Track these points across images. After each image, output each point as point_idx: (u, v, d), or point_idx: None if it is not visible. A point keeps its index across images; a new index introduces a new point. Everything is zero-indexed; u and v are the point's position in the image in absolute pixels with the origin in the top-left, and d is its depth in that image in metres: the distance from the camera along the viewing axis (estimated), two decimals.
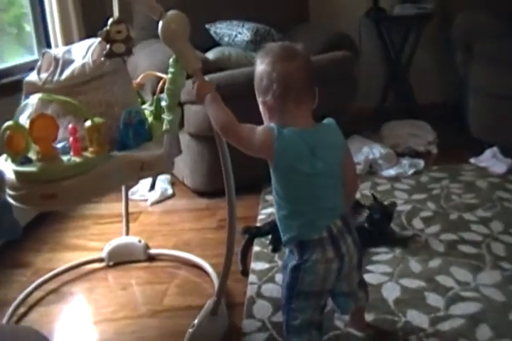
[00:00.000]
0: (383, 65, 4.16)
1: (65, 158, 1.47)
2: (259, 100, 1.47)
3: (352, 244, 1.45)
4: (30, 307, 2.03)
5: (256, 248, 2.33)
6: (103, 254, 2.29)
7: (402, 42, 4.00)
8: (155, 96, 1.81)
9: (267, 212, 2.65)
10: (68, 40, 2.90)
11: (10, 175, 1.48)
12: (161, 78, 1.81)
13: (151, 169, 1.62)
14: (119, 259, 2.29)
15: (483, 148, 3.20)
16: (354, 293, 1.61)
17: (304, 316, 1.47)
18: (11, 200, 1.49)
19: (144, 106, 1.90)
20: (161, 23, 1.52)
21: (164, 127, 1.64)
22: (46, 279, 2.16)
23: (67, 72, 1.64)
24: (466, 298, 1.86)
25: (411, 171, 3.05)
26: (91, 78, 1.64)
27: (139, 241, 2.31)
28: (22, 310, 2.00)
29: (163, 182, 3.08)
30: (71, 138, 1.48)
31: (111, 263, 2.28)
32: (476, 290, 1.90)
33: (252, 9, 3.54)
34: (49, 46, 3.00)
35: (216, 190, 2.62)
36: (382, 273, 2.05)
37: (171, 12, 1.53)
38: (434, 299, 1.87)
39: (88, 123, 1.49)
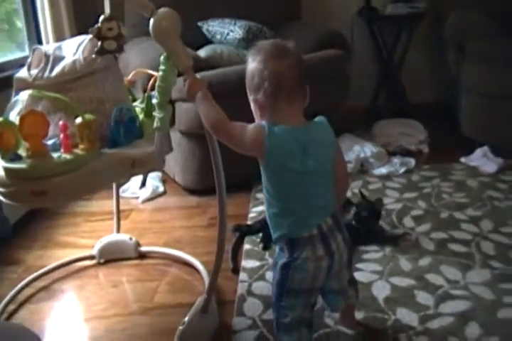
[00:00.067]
0: (375, 63, 4.16)
1: (55, 154, 1.46)
2: (251, 98, 1.46)
3: (342, 242, 1.46)
4: (21, 305, 2.02)
5: (247, 246, 2.33)
6: (94, 252, 2.28)
7: (394, 42, 4.01)
8: (146, 94, 1.80)
9: (257, 210, 2.65)
10: (59, 37, 2.89)
11: None
12: (152, 75, 1.80)
13: (141, 166, 1.62)
14: (110, 257, 2.29)
15: (474, 147, 3.21)
16: (344, 291, 1.61)
17: (294, 314, 1.47)
18: (0, 197, 1.49)
19: (135, 104, 1.89)
20: (152, 21, 1.51)
21: (155, 124, 1.63)
22: (37, 276, 2.15)
23: (57, 69, 1.63)
24: (455, 296, 1.87)
25: (402, 170, 3.06)
26: (82, 75, 1.63)
27: (130, 239, 2.31)
28: (12, 307, 2.00)
29: (154, 179, 3.07)
30: (61, 135, 1.47)
31: (102, 261, 2.28)
32: (465, 289, 1.91)
33: (245, 7, 3.53)
34: (40, 43, 2.99)
35: (207, 187, 2.62)
36: (372, 271, 2.06)
37: (162, 9, 1.53)
38: (423, 297, 1.88)
39: (79, 120, 1.48)
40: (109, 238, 2.31)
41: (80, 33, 1.88)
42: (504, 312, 1.78)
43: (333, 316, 1.77)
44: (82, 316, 1.98)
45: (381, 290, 1.93)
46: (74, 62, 1.64)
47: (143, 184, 2.83)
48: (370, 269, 2.07)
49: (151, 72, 1.87)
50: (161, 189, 3.02)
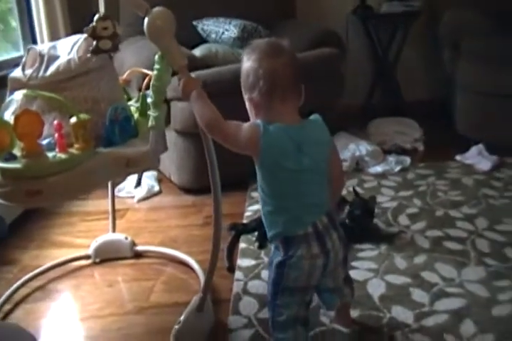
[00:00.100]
0: (370, 62, 4.17)
1: (50, 154, 1.46)
2: (246, 97, 1.46)
3: (337, 240, 1.46)
4: (17, 304, 2.02)
5: (242, 244, 2.33)
6: (90, 251, 2.28)
7: (389, 40, 4.01)
8: (141, 93, 1.80)
9: (253, 209, 2.66)
10: (54, 36, 2.89)
11: None
12: (146, 75, 1.80)
13: (136, 165, 1.62)
14: (106, 256, 2.28)
15: (469, 145, 3.22)
16: (340, 289, 1.62)
17: (289, 312, 1.47)
18: None
19: (129, 103, 1.89)
20: (146, 20, 1.51)
21: (150, 124, 1.63)
22: (32, 276, 2.15)
23: (52, 68, 1.63)
24: (450, 294, 1.88)
25: (397, 168, 3.07)
26: (76, 74, 1.63)
27: (126, 238, 2.31)
28: (8, 307, 1.99)
29: (149, 179, 3.07)
30: (56, 135, 1.47)
31: (97, 260, 2.28)
32: (460, 286, 1.92)
33: (239, 6, 3.53)
34: (35, 42, 2.99)
35: (202, 186, 2.62)
36: (367, 269, 2.06)
37: (156, 8, 1.52)
38: (419, 295, 1.88)
39: (73, 119, 1.48)
40: (104, 237, 2.31)
41: (74, 32, 1.87)
42: (499, 309, 1.78)
43: (329, 314, 1.78)
44: (78, 316, 1.97)
45: (376, 288, 1.94)
46: (69, 61, 1.63)
47: (138, 183, 2.82)
48: (365, 267, 2.08)
49: (145, 71, 1.87)
50: (157, 188, 3.02)
